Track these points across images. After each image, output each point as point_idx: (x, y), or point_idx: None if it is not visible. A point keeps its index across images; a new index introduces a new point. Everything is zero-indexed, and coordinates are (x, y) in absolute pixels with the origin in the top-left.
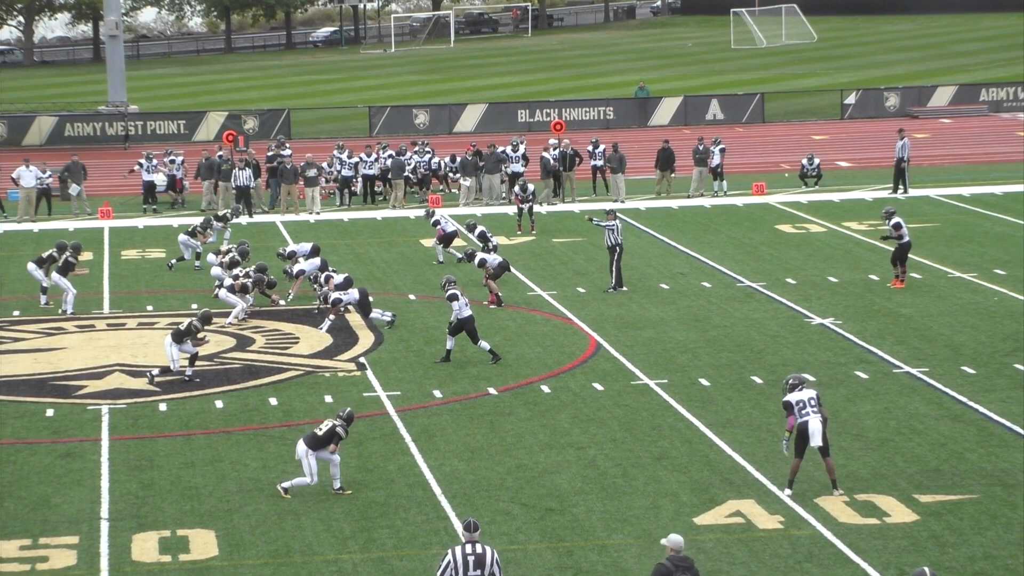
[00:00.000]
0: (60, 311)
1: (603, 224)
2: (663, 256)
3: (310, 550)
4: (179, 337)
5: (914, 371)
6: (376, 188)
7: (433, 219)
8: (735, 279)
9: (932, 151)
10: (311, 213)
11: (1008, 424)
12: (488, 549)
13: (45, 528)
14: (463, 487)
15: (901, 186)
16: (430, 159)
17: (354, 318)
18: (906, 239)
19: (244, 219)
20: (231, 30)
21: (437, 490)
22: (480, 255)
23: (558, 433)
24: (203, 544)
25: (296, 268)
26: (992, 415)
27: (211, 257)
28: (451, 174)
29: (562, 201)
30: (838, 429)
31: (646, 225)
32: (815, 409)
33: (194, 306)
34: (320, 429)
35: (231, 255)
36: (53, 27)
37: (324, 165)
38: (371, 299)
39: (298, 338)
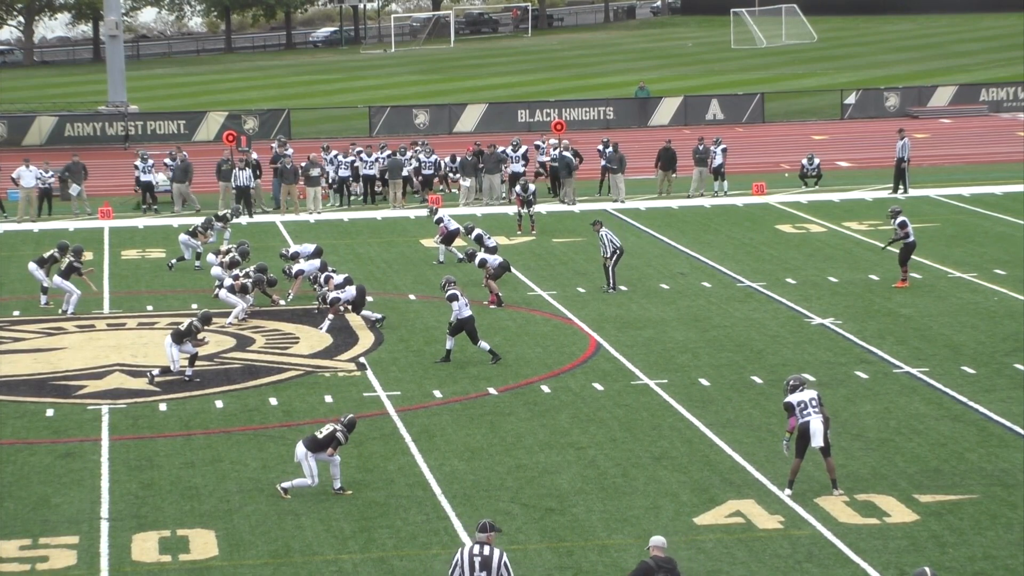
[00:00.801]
0: (60, 311)
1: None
2: (663, 256)
3: (310, 550)
4: (179, 337)
5: (914, 371)
6: (376, 188)
7: (436, 216)
8: (735, 279)
9: (932, 151)
10: (311, 213)
11: (1008, 424)
12: (496, 551)
13: (45, 528)
14: (463, 487)
15: (901, 186)
16: (436, 160)
17: (354, 318)
18: (911, 239)
19: (244, 219)
20: (231, 30)
21: (437, 490)
22: (481, 255)
23: (558, 433)
24: (203, 544)
25: (295, 268)
26: (992, 415)
27: (211, 257)
28: (451, 174)
29: (561, 201)
30: (838, 429)
31: (646, 225)
32: (816, 410)
33: (194, 306)
34: (321, 432)
35: (231, 255)
36: (53, 27)
37: (328, 166)
38: (369, 298)
39: (298, 338)
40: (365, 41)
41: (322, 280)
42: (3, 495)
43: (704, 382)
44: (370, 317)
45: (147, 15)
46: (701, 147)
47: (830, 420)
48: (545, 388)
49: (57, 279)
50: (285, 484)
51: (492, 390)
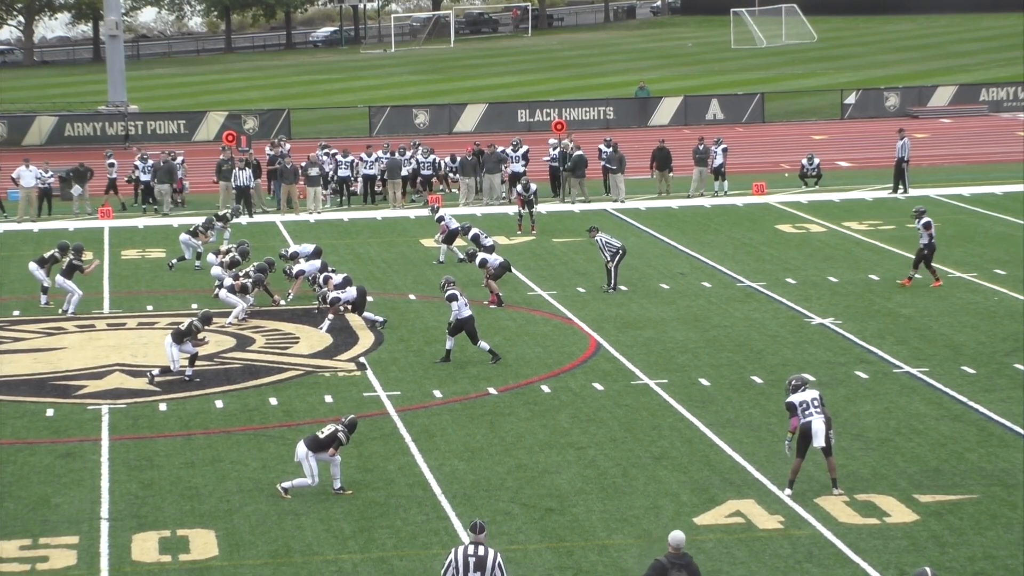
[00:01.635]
0: (60, 311)
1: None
2: (663, 256)
3: (310, 550)
4: (179, 337)
5: (914, 371)
6: (376, 188)
7: (438, 215)
8: (735, 279)
9: (932, 151)
10: (312, 213)
11: (1008, 424)
12: (490, 551)
13: (45, 528)
14: (463, 487)
15: (901, 186)
16: (435, 160)
17: (354, 318)
18: (932, 241)
19: (244, 219)
20: (231, 30)
21: (437, 490)
22: (481, 255)
23: (558, 433)
24: (203, 544)
25: (296, 269)
26: (992, 415)
27: (211, 257)
28: (451, 174)
29: (561, 201)
30: (838, 429)
31: (646, 225)
32: (818, 410)
33: (194, 306)
34: (322, 432)
35: (231, 255)
36: (53, 27)
37: (329, 163)
38: (369, 298)
39: (298, 338)
40: (365, 41)
41: (321, 280)
42: (3, 495)
43: (704, 382)
44: (371, 319)
45: (147, 15)
46: (701, 147)
47: (831, 420)
48: (545, 388)
49: (59, 279)
50: (285, 484)
51: (492, 390)
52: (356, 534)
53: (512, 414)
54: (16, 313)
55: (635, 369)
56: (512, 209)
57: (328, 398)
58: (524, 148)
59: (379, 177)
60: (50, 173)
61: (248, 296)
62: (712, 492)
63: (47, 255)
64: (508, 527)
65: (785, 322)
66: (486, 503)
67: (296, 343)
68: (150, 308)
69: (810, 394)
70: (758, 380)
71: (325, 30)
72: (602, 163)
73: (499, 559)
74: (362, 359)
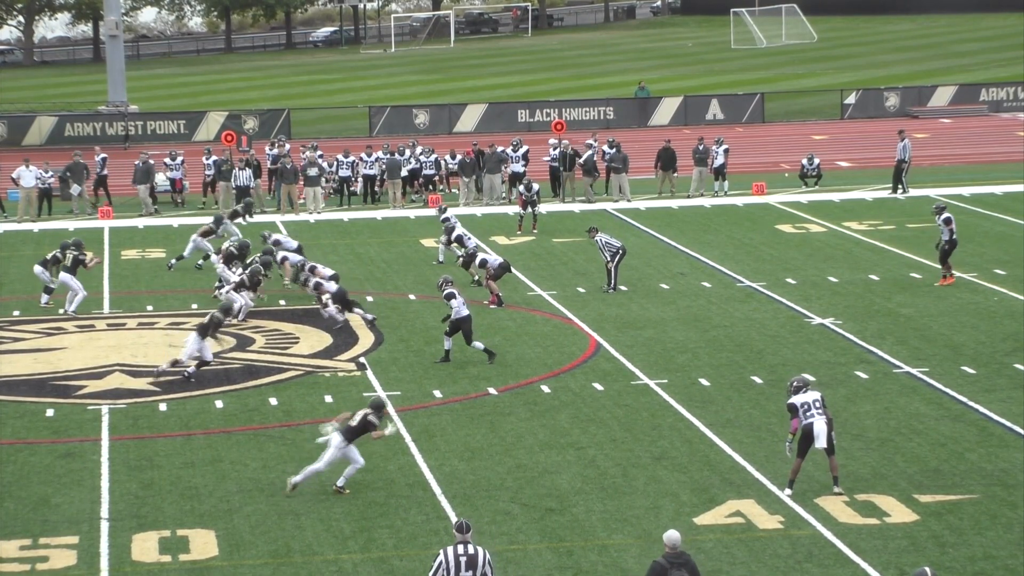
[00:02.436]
0: (61, 311)
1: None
2: (663, 256)
3: (310, 550)
4: (204, 331)
5: (914, 371)
6: (376, 188)
7: (443, 215)
8: (735, 279)
9: (932, 151)
10: (311, 213)
11: (1008, 424)
12: (480, 550)
13: (45, 528)
14: (463, 487)
15: (900, 187)
16: (436, 159)
17: (354, 318)
18: (954, 237)
19: (244, 219)
20: (231, 30)
21: (437, 490)
22: (481, 255)
23: (558, 433)
24: (203, 544)
25: (281, 255)
26: (992, 415)
27: (214, 257)
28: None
29: (562, 201)
30: (838, 429)
31: (646, 225)
32: (820, 411)
33: (194, 306)
34: (354, 420)
35: (228, 249)
36: (53, 27)
37: (325, 165)
38: (369, 298)
39: (298, 338)
40: (365, 41)
41: (307, 269)
42: (3, 495)
43: (704, 382)
44: (363, 316)
45: (147, 15)
46: (701, 147)
47: (833, 421)
48: (545, 388)
49: (64, 276)
50: (295, 479)
51: (492, 390)
52: (356, 534)
53: (512, 414)
54: (16, 313)
55: (635, 369)
56: (513, 209)
57: (328, 398)
58: (524, 148)
59: (379, 177)
60: (50, 173)
61: (249, 293)
62: (712, 492)
63: (50, 256)
64: (508, 527)
65: (785, 322)
66: (486, 503)
67: (296, 343)
68: (150, 308)
69: (811, 396)
70: (758, 380)
71: (325, 30)
72: (605, 163)
73: (489, 557)
74: (362, 359)
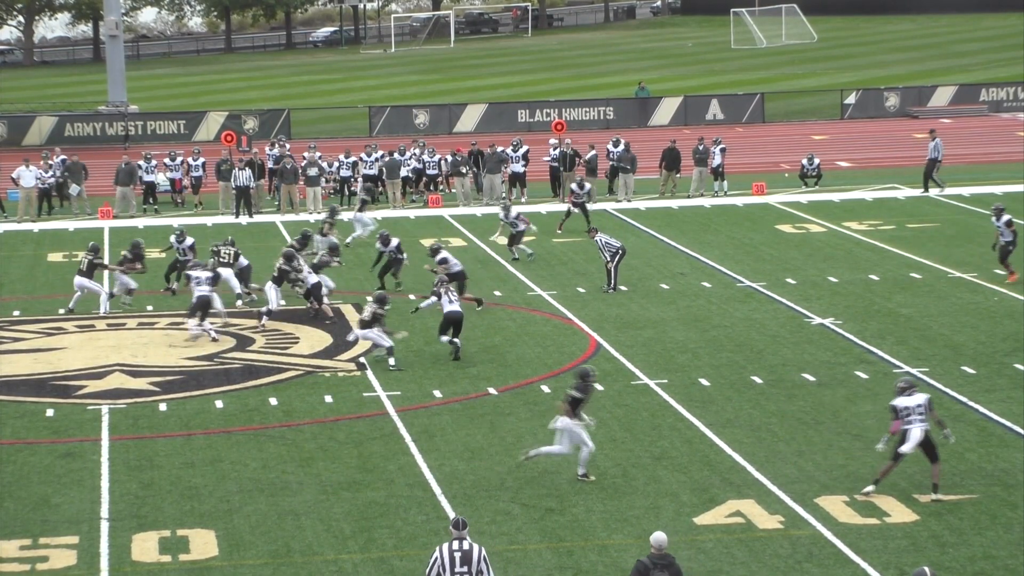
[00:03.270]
0: (61, 311)
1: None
2: (663, 256)
3: (310, 550)
4: (366, 325)
5: (914, 371)
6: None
7: (440, 257)
8: (735, 279)
9: None
10: (312, 213)
11: (1008, 424)
12: (475, 546)
13: (45, 528)
14: (463, 487)
15: (935, 184)
16: (439, 159)
17: (354, 318)
18: (1012, 239)
19: (244, 219)
20: (231, 30)
21: (437, 490)
22: (444, 253)
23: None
24: (203, 544)
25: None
26: (992, 415)
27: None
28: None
29: (561, 201)
30: (838, 429)
31: (646, 225)
32: (921, 417)
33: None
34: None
35: (214, 260)
36: (53, 27)
37: (325, 165)
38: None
39: (298, 338)
40: (365, 41)
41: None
42: (3, 495)
43: (704, 382)
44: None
45: (147, 15)
46: (701, 147)
47: (944, 422)
48: (545, 388)
49: (80, 280)
50: (532, 452)
51: (492, 390)
52: (356, 534)
53: (512, 414)
54: (16, 313)
55: (635, 369)
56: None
57: (328, 398)
58: (524, 148)
59: (379, 177)
60: (50, 173)
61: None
62: (712, 492)
63: (85, 267)
64: (508, 527)
65: (785, 322)
66: (486, 503)
67: (296, 343)
68: (150, 308)
69: (916, 399)
70: (758, 380)
71: (325, 30)
72: (610, 163)
73: (484, 554)
74: (362, 359)
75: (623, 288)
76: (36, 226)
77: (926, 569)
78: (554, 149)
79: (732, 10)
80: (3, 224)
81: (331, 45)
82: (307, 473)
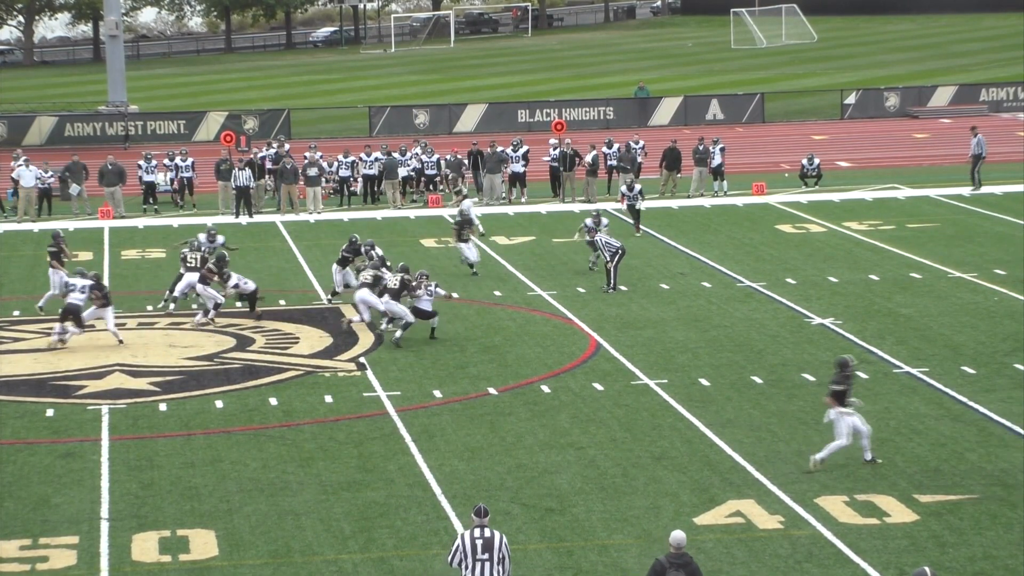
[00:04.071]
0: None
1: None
2: (663, 256)
3: (310, 550)
4: (396, 295)
5: (914, 371)
6: (376, 188)
7: (592, 224)
8: (735, 279)
9: (932, 151)
10: (311, 213)
11: (1008, 424)
12: (497, 533)
13: (45, 528)
14: (463, 487)
15: (977, 181)
16: (438, 159)
17: (355, 317)
18: None
19: (244, 219)
20: (231, 30)
21: (437, 490)
22: (383, 271)
23: (558, 433)
24: (203, 544)
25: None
26: (992, 415)
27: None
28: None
29: (561, 201)
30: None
31: (646, 225)
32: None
33: (194, 306)
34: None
35: (208, 264)
36: (53, 27)
37: (325, 165)
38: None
39: (298, 338)
40: (365, 41)
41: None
42: (3, 495)
43: (704, 382)
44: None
45: (147, 15)
46: (701, 147)
47: None
48: (545, 388)
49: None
50: (820, 456)
51: (492, 390)
52: (356, 534)
53: (512, 414)
54: (16, 313)
55: (635, 369)
56: (513, 209)
57: (328, 398)
58: (524, 148)
59: (378, 177)
60: (50, 173)
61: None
62: (712, 492)
63: (181, 285)
64: (508, 527)
65: (785, 322)
66: (486, 503)
67: (296, 343)
68: (150, 308)
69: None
70: (758, 380)
71: (325, 30)
72: (610, 164)
73: (505, 541)
74: (362, 359)
75: (623, 288)
76: (36, 226)
77: (926, 569)
78: (554, 149)
79: (732, 10)
80: (3, 224)
81: (331, 45)
82: (307, 473)
